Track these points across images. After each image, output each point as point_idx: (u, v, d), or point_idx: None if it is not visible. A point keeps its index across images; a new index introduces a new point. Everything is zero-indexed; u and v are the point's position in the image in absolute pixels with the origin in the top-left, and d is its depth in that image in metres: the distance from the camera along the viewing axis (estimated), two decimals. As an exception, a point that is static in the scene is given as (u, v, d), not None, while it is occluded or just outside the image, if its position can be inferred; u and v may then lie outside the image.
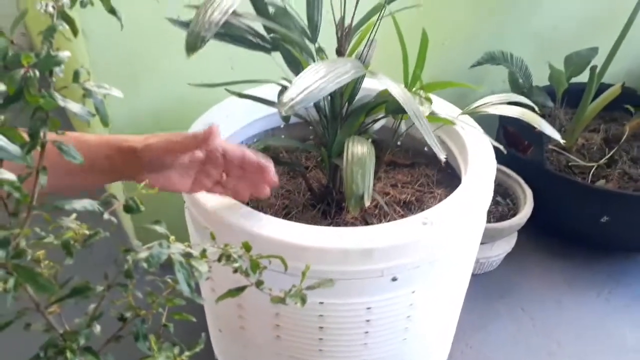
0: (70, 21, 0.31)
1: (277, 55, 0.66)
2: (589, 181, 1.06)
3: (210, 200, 0.61)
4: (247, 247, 0.38)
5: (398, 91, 0.48)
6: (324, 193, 0.75)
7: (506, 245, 1.03)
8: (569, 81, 1.17)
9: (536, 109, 0.63)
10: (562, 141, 0.58)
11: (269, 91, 0.74)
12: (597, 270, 1.08)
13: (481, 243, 1.02)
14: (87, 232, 0.30)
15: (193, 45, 0.48)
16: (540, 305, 1.01)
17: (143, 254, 0.31)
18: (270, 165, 0.56)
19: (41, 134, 0.30)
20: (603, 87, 1.14)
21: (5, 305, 0.26)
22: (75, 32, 0.32)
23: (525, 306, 1.01)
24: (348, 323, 0.61)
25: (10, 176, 0.26)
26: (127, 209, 0.33)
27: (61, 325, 0.32)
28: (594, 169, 1.09)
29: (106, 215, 0.32)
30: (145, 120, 0.89)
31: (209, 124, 0.74)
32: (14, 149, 0.27)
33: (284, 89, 0.75)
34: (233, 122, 0.81)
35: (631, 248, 1.10)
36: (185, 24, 0.59)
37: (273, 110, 0.85)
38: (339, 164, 0.69)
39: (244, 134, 0.85)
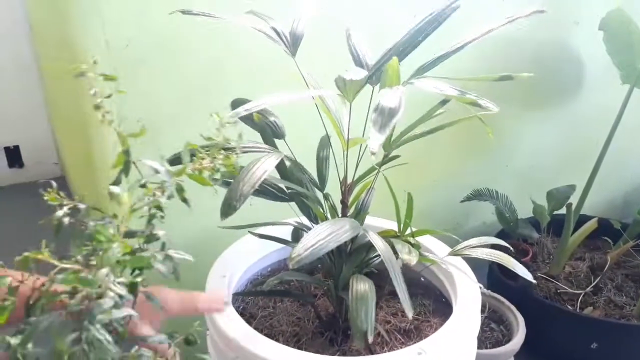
0: (160, 208, 0.44)
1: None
2: (577, 308, 1.14)
3: (230, 329, 0.70)
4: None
5: (381, 247, 0.60)
6: (332, 321, 0.84)
7: (504, 370, 1.08)
8: (552, 214, 1.30)
9: (511, 249, 0.74)
10: (533, 282, 0.68)
11: (283, 229, 0.86)
12: (594, 396, 1.11)
13: (480, 369, 1.07)
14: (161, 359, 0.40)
15: (226, 212, 0.60)
16: None
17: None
18: None
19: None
20: (583, 219, 1.26)
21: None
22: (162, 217, 0.45)
23: None
24: None
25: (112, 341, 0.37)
26: (187, 342, 0.43)
27: None
28: (581, 296, 1.17)
29: (171, 350, 0.42)
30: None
31: (231, 258, 0.85)
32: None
33: (296, 230, 0.88)
34: (252, 254, 0.93)
35: (624, 375, 1.14)
36: (226, 184, 0.72)
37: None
38: (344, 297, 0.79)
39: (261, 264, 0.96)
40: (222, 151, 0.48)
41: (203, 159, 0.46)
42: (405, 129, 0.70)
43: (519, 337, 1.06)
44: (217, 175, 0.47)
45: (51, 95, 1.68)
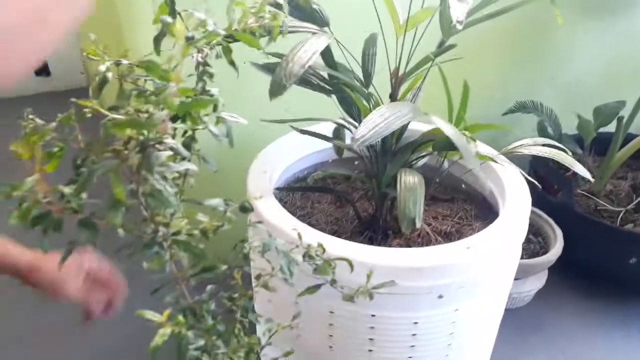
0: (208, 65, 0.41)
1: (323, 99, 0.76)
2: (617, 224, 1.11)
3: (274, 217, 0.69)
4: (322, 248, 0.47)
5: (450, 130, 0.57)
6: (371, 221, 0.83)
7: (537, 282, 1.08)
8: (597, 131, 1.24)
9: (568, 152, 0.70)
10: (592, 179, 0.64)
11: (322, 129, 0.83)
12: (627, 310, 1.11)
13: (514, 278, 1.07)
14: (217, 223, 0.39)
15: (276, 91, 0.58)
16: (571, 342, 1.04)
17: (257, 243, 0.40)
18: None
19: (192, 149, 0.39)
20: (629, 137, 1.21)
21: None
22: (211, 75, 0.42)
23: (557, 342, 1.04)
24: (396, 336, 0.67)
25: (173, 192, 0.35)
26: (243, 209, 0.42)
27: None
28: (622, 213, 1.14)
29: (229, 214, 0.41)
30: (220, 148, 0.99)
31: (272, 156, 0.83)
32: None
33: (337, 128, 0.85)
34: (288, 156, 0.90)
35: (660, 290, 1.13)
36: (266, 68, 0.69)
37: (322, 147, 0.95)
38: (389, 193, 0.77)
39: (297, 166, 0.95)
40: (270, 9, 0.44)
41: (249, 18, 0.42)
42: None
43: (556, 249, 1.04)
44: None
45: None
